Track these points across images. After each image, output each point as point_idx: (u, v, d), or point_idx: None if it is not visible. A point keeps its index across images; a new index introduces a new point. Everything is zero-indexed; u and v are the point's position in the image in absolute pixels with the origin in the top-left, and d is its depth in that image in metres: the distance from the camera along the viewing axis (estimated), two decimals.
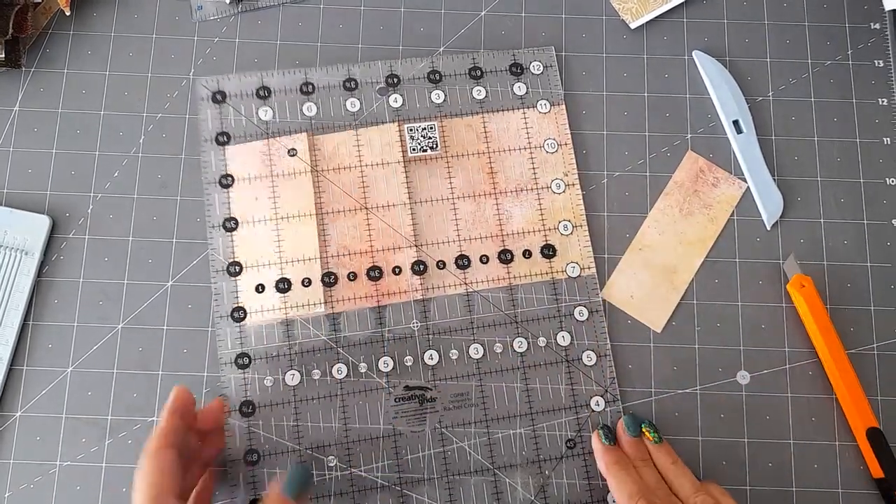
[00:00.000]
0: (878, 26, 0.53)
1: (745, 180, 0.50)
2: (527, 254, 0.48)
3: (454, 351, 0.47)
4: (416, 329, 0.47)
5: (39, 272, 0.48)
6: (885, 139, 0.51)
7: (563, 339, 0.47)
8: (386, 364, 0.46)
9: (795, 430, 0.47)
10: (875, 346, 0.48)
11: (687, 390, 0.47)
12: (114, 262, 0.48)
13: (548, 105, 0.51)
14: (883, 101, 0.52)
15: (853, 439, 0.46)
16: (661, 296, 0.48)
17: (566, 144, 0.50)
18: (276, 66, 0.51)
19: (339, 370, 0.46)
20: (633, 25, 0.53)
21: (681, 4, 0.53)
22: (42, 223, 0.48)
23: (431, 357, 0.47)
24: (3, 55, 0.49)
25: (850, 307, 0.49)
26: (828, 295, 0.49)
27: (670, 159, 0.51)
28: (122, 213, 0.49)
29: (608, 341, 0.47)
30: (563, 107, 0.51)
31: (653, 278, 0.49)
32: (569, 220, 0.49)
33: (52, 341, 0.47)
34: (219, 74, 0.51)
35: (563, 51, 0.52)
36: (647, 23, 0.53)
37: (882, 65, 0.53)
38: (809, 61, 0.53)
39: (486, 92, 0.51)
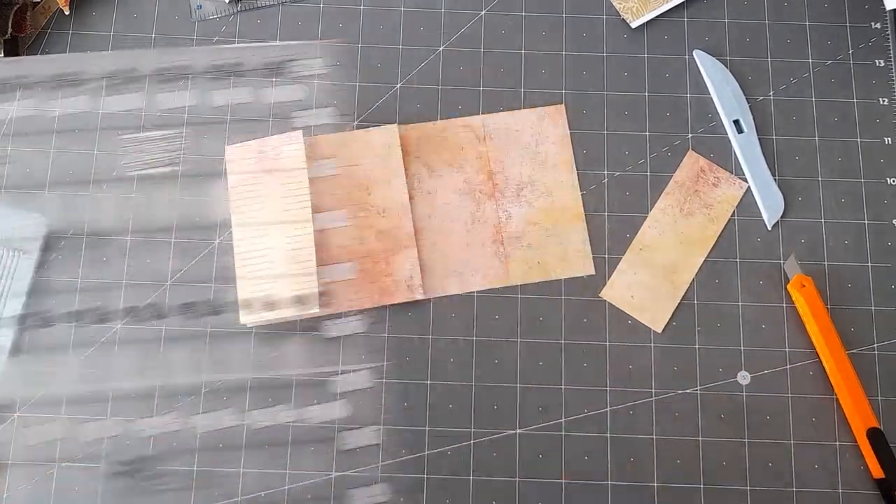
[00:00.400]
0: (878, 26, 0.53)
1: (745, 180, 0.50)
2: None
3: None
4: None
5: (37, 272, 0.48)
6: (885, 139, 0.51)
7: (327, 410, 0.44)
8: None
9: (795, 430, 0.47)
10: (875, 346, 0.48)
11: (687, 390, 0.47)
12: (113, 262, 0.48)
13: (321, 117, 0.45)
14: (884, 101, 0.52)
15: (853, 439, 0.46)
16: (661, 296, 0.48)
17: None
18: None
19: None
20: (633, 25, 0.52)
21: (681, 4, 0.53)
22: (38, 222, 0.48)
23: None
24: (3, 54, 0.49)
25: (851, 307, 0.49)
26: (828, 295, 0.49)
27: (671, 159, 0.51)
28: (121, 212, 0.49)
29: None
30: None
31: (653, 278, 0.49)
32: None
33: (50, 342, 0.47)
34: None
35: (563, 50, 0.52)
36: (647, 22, 0.53)
37: (883, 64, 0.53)
38: (810, 61, 0.53)
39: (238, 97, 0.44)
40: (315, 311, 0.46)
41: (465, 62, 0.52)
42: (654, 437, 0.46)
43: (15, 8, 0.49)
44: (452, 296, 0.48)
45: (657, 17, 0.53)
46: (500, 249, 0.49)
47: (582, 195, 0.50)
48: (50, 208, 0.48)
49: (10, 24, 0.49)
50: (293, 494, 0.45)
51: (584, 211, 0.50)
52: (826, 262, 0.49)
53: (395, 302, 0.47)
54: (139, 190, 0.49)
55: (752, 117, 0.51)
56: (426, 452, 0.46)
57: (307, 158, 0.48)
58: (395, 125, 0.50)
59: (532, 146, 0.50)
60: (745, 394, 0.47)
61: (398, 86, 0.51)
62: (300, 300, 0.45)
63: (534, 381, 0.47)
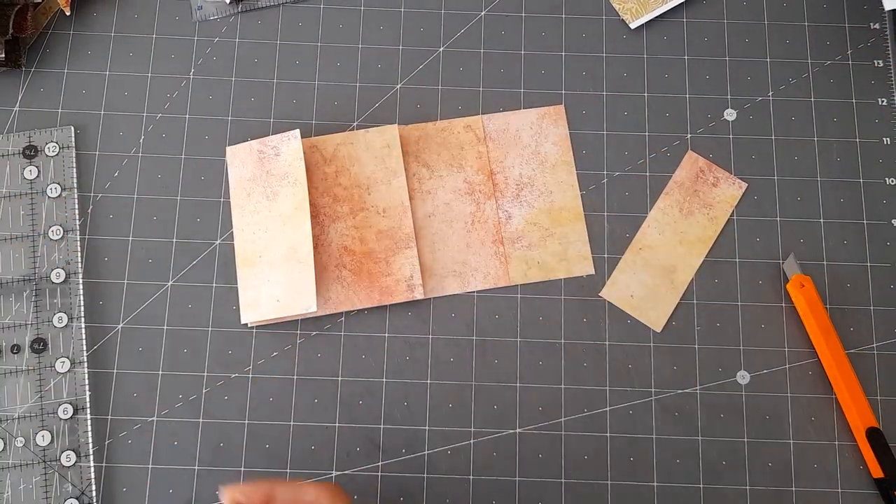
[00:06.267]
0: (877, 26, 0.53)
1: (745, 181, 0.50)
2: (15, 349, 0.46)
3: None
4: None
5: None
6: (884, 139, 0.51)
7: (43, 438, 0.45)
8: None
9: (795, 430, 0.47)
10: (875, 346, 0.48)
11: (687, 390, 0.47)
12: (114, 262, 0.48)
13: (59, 189, 0.48)
14: (883, 101, 0.52)
15: (853, 439, 0.46)
16: (661, 296, 0.48)
17: (73, 230, 0.47)
18: (277, 66, 0.51)
19: None
20: (632, 25, 0.53)
21: (681, 4, 0.53)
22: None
23: None
24: (3, 55, 0.49)
25: (850, 307, 0.49)
26: (828, 295, 0.49)
27: (670, 159, 0.51)
28: (122, 213, 0.49)
29: (90, 440, 0.45)
30: (75, 191, 0.48)
31: (653, 278, 0.49)
32: (65, 313, 0.46)
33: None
34: None
35: (563, 51, 0.52)
36: (646, 23, 0.53)
37: (882, 65, 0.53)
38: (809, 61, 0.53)
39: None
40: (314, 310, 0.46)
41: (465, 62, 0.52)
42: (654, 437, 0.46)
43: (16, 8, 0.49)
44: (452, 296, 0.48)
45: (657, 17, 0.53)
46: (499, 249, 0.49)
47: (582, 195, 0.50)
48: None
49: (10, 25, 0.49)
50: None
51: (584, 211, 0.50)
52: (825, 262, 0.49)
53: (395, 302, 0.47)
54: (139, 191, 0.49)
55: None
56: (426, 452, 0.46)
57: (307, 158, 0.48)
58: (395, 125, 0.50)
59: (532, 146, 0.50)
60: (744, 393, 0.47)
61: (398, 86, 0.51)
62: (300, 300, 0.45)
63: (534, 381, 0.47)
